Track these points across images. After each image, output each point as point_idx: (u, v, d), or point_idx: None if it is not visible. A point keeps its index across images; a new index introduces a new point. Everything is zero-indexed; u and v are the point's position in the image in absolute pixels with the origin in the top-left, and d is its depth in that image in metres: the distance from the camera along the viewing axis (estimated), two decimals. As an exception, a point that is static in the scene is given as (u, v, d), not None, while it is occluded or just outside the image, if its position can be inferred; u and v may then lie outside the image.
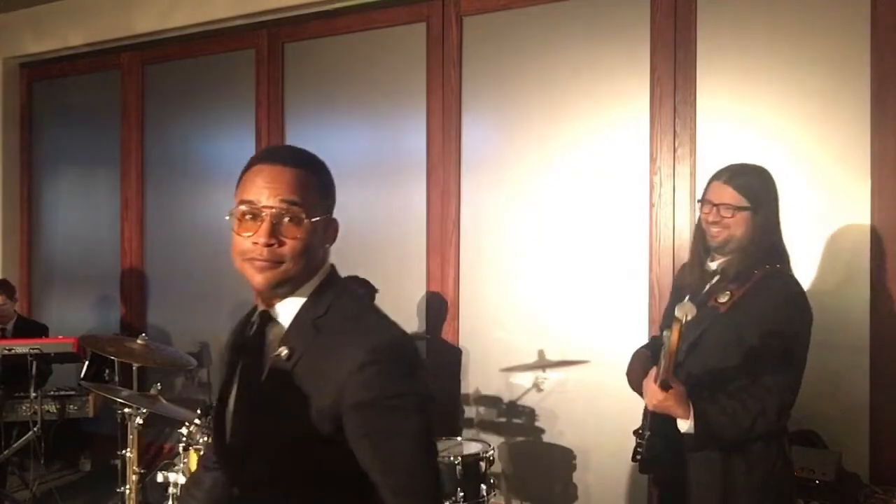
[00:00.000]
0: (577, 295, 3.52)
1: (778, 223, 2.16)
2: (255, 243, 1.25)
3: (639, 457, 2.17)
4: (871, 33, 2.94)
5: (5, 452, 3.73)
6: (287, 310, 1.32)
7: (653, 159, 3.33)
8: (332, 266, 1.39)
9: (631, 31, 3.38)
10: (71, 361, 4.07)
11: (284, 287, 1.30)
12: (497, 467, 3.06)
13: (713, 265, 2.16)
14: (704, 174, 3.21)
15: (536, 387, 3.59)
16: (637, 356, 2.32)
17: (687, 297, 2.06)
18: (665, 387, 1.96)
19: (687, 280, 2.24)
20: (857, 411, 2.92)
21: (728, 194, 2.10)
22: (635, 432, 2.21)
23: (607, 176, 3.45)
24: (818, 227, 3.01)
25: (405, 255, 3.90)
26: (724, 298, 2.06)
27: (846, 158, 2.99)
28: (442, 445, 3.07)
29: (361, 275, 3.46)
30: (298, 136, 4.24)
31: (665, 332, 1.96)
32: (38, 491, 3.97)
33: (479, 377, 3.75)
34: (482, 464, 2.96)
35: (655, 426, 2.09)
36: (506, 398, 3.67)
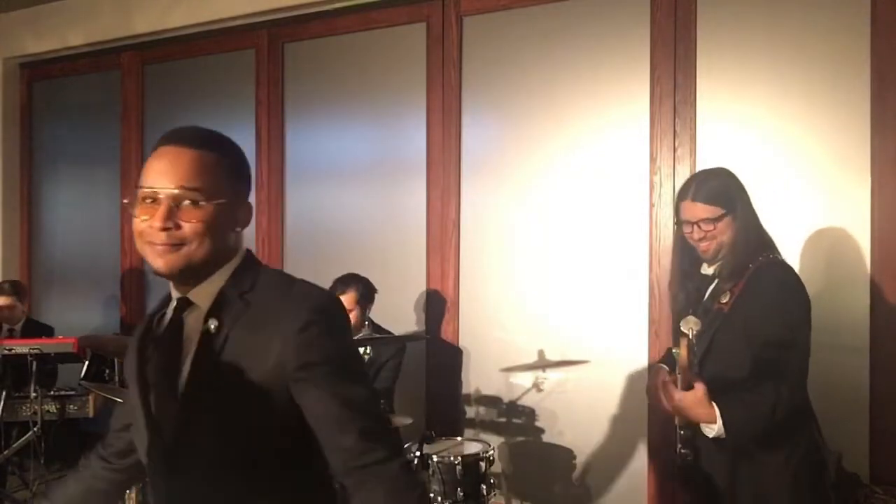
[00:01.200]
0: (577, 295, 3.52)
1: (755, 216, 2.19)
2: (152, 227, 1.24)
3: (676, 469, 2.20)
4: (871, 33, 2.95)
5: (5, 452, 3.73)
6: (207, 291, 1.30)
7: (653, 159, 3.34)
8: (249, 251, 1.41)
9: (631, 31, 3.38)
10: (71, 361, 4.06)
11: (193, 271, 1.28)
12: (497, 467, 3.06)
13: (710, 270, 2.20)
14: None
15: (536, 387, 3.58)
16: (656, 373, 2.28)
17: (690, 312, 2.10)
18: (686, 387, 1.97)
19: (686, 289, 2.26)
20: (857, 411, 2.92)
21: (701, 209, 2.13)
22: (677, 450, 2.18)
23: (607, 176, 3.45)
24: (818, 227, 3.01)
25: (405, 255, 3.90)
26: (725, 299, 2.08)
27: (846, 158, 2.99)
28: (442, 445, 3.08)
29: (361, 274, 3.47)
30: (298, 136, 4.24)
31: (675, 350, 1.98)
32: (38, 491, 3.97)
33: (479, 377, 3.75)
34: (482, 464, 2.95)
35: (685, 441, 2.09)
36: (506, 398, 3.67)
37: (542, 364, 3.57)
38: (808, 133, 3.06)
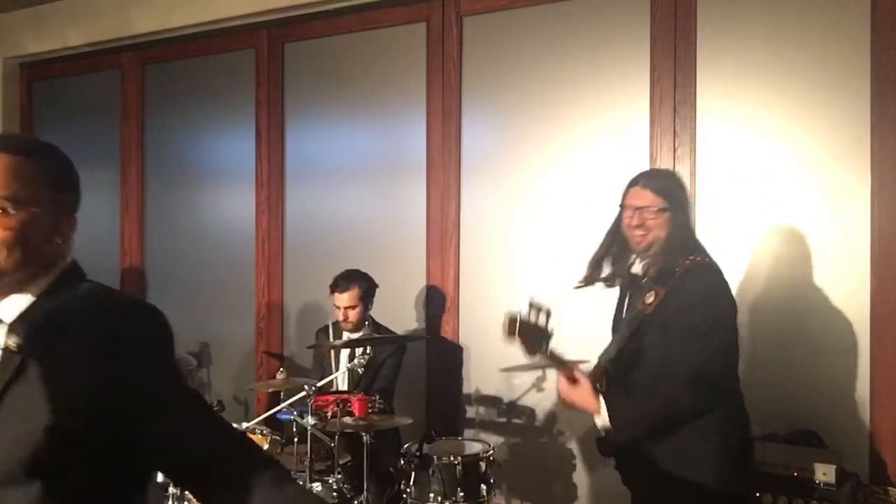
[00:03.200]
0: (577, 294, 3.51)
1: (691, 222, 2.26)
2: None
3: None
4: (871, 33, 2.94)
5: (5, 452, 3.72)
6: (10, 307, 1.21)
7: (653, 159, 3.33)
8: (74, 262, 1.30)
9: (631, 31, 3.38)
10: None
11: (3, 281, 1.20)
12: (497, 467, 3.06)
13: (639, 268, 2.25)
14: (704, 174, 3.23)
15: (536, 387, 3.58)
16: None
17: (643, 289, 2.21)
18: (572, 380, 2.13)
19: (601, 277, 2.36)
20: (857, 411, 2.92)
21: (648, 197, 2.18)
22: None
23: (607, 175, 3.45)
24: (818, 227, 3.01)
25: (405, 255, 3.89)
26: (650, 299, 2.13)
27: (846, 158, 2.99)
28: (442, 445, 3.08)
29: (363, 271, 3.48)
30: (298, 136, 4.24)
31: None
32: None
33: (479, 377, 3.75)
34: (482, 464, 2.96)
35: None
36: (506, 398, 3.67)
37: (542, 364, 3.57)
38: (808, 133, 3.06)
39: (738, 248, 3.08)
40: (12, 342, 1.17)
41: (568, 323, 3.52)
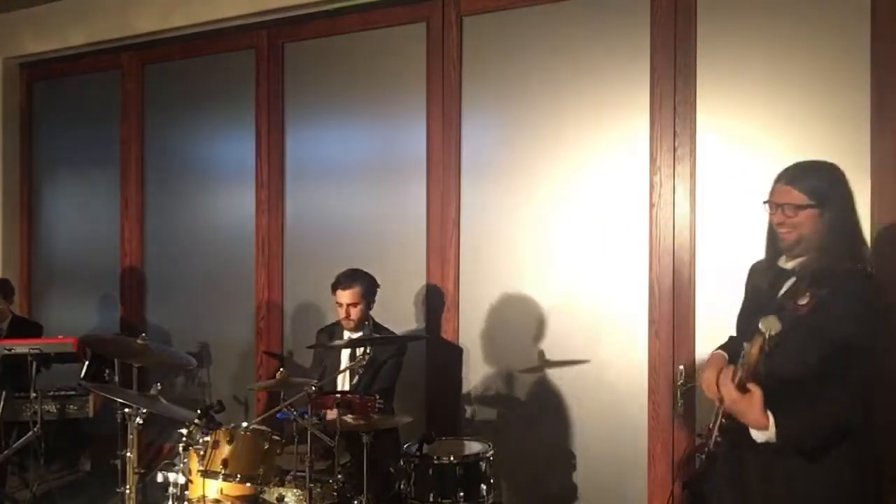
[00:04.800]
0: (577, 294, 3.52)
1: (854, 220, 2.07)
2: None
3: (703, 455, 2.12)
4: (871, 33, 2.95)
5: (5, 452, 3.73)
6: None
7: (653, 159, 3.34)
8: None
9: (631, 31, 3.38)
10: (71, 361, 4.07)
11: None
12: (497, 467, 3.06)
13: (789, 265, 2.10)
14: (704, 174, 3.24)
15: (536, 387, 3.58)
16: (713, 359, 2.20)
17: (774, 314, 1.92)
18: (742, 388, 1.88)
19: (760, 280, 2.17)
20: (857, 411, 2.91)
21: (789, 194, 2.05)
22: (699, 435, 2.15)
23: (607, 176, 3.45)
24: (818, 227, 3.00)
25: (405, 255, 3.90)
26: (803, 301, 1.98)
27: (846, 159, 2.98)
28: (442, 445, 3.08)
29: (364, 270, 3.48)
30: (298, 136, 4.24)
31: (745, 344, 1.90)
32: (38, 491, 3.97)
33: (479, 377, 3.75)
34: (482, 464, 2.95)
35: (725, 431, 2.04)
36: (506, 398, 3.67)
37: (542, 364, 3.57)
38: (807, 133, 3.06)
39: (738, 248, 3.07)
40: None
41: (568, 322, 3.53)
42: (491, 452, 3.01)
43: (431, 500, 2.89)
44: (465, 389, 3.78)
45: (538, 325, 3.59)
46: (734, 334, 2.26)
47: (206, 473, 2.69)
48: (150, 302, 4.82)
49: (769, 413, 1.85)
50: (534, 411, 3.60)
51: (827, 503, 1.98)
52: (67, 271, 5.12)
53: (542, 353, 3.57)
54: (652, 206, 3.33)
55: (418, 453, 2.93)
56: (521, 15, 3.64)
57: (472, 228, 3.76)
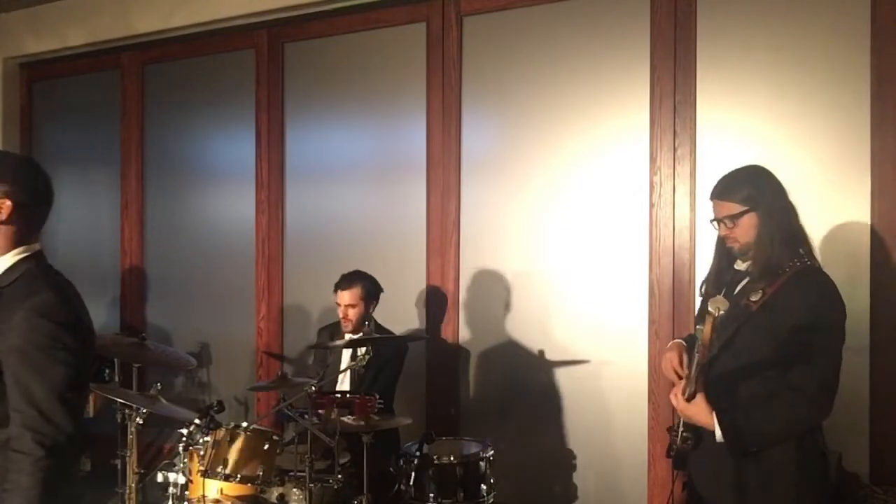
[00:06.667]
0: (577, 294, 3.52)
1: (788, 213, 2.16)
2: None
3: (672, 452, 2.24)
4: (871, 33, 2.95)
5: (5, 452, 3.72)
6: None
7: (653, 159, 3.33)
8: (38, 251, 1.78)
9: (631, 31, 3.38)
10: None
11: None
12: (497, 467, 3.06)
13: (743, 267, 2.21)
14: (704, 174, 3.23)
15: (536, 387, 3.58)
16: (673, 345, 2.34)
17: (723, 293, 2.12)
18: (690, 398, 2.07)
19: (710, 288, 2.27)
20: (857, 411, 2.92)
21: (723, 207, 2.17)
22: (668, 429, 2.28)
23: (607, 176, 3.45)
24: (818, 228, 3.00)
25: (405, 255, 3.89)
26: (755, 297, 2.08)
27: (846, 158, 2.99)
28: (442, 445, 3.08)
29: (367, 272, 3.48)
30: (298, 136, 4.23)
31: (698, 327, 2.03)
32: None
33: (479, 377, 3.75)
34: (482, 464, 2.96)
35: (688, 426, 2.16)
36: (506, 398, 3.67)
37: (542, 364, 3.57)
38: (808, 133, 3.06)
39: (738, 248, 3.07)
40: None
41: (568, 322, 3.53)
42: (491, 452, 3.01)
43: (431, 500, 2.89)
44: (464, 389, 3.78)
45: (538, 325, 3.58)
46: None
47: (206, 473, 2.69)
48: (150, 302, 4.83)
49: (713, 415, 2.05)
50: (534, 411, 3.60)
51: (778, 497, 2.09)
52: (67, 271, 5.04)
53: (542, 353, 3.57)
54: (652, 206, 3.33)
55: (418, 453, 2.93)
56: (521, 15, 3.64)
57: (473, 228, 3.76)
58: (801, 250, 2.14)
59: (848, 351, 2.90)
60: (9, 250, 1.70)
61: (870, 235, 2.94)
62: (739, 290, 2.17)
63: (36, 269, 1.72)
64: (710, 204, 2.22)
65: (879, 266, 2.92)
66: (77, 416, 1.65)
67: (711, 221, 2.24)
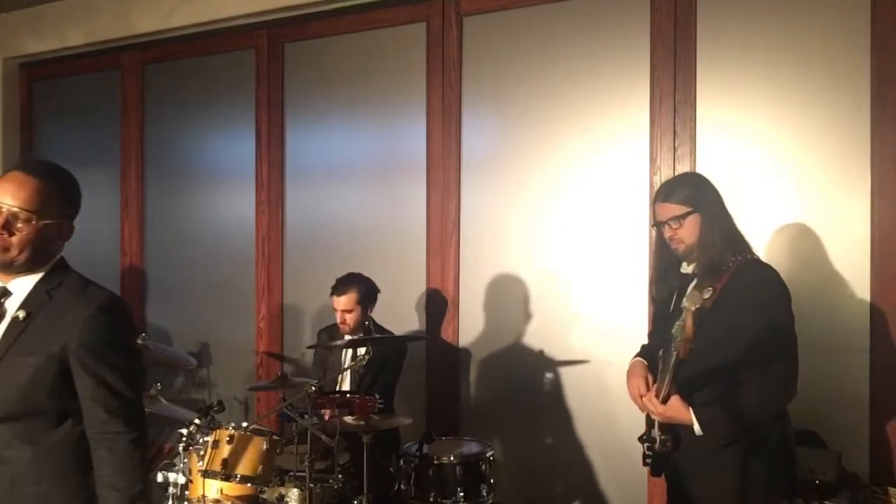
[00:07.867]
0: (577, 294, 3.52)
1: (726, 215, 2.29)
2: None
3: (648, 460, 2.32)
4: (871, 33, 2.95)
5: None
6: (22, 285, 1.74)
7: (653, 159, 3.34)
8: (62, 258, 1.82)
9: (631, 31, 3.38)
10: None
11: (15, 268, 1.71)
12: (497, 467, 3.06)
13: (689, 269, 2.30)
14: (704, 173, 3.22)
15: (537, 387, 3.58)
16: (634, 368, 2.39)
17: (692, 285, 2.21)
18: (664, 400, 2.15)
19: (660, 291, 2.39)
20: (857, 411, 2.92)
21: (668, 209, 2.27)
22: (640, 438, 2.34)
23: (607, 176, 3.45)
24: (818, 227, 3.01)
25: (405, 255, 3.89)
26: (707, 294, 2.14)
27: (846, 159, 2.99)
28: (442, 445, 3.08)
29: (365, 275, 3.47)
30: (298, 136, 4.23)
31: (678, 323, 2.09)
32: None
33: (479, 377, 3.75)
34: (482, 464, 2.96)
35: (665, 428, 2.24)
36: (506, 398, 3.67)
37: (543, 364, 3.57)
38: (808, 133, 3.06)
39: (738, 248, 3.08)
40: (21, 314, 1.70)
41: (568, 322, 3.53)
42: (491, 452, 3.01)
43: (431, 500, 2.89)
44: (464, 390, 3.78)
45: (538, 325, 3.59)
46: (646, 342, 2.51)
47: (206, 473, 2.69)
48: (150, 302, 4.83)
49: (690, 410, 2.13)
50: (534, 411, 3.60)
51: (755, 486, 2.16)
52: (67, 271, 5.11)
53: (542, 353, 3.57)
54: (652, 206, 3.33)
55: (418, 453, 2.93)
56: (521, 15, 3.64)
57: (473, 229, 3.76)
58: (740, 247, 2.25)
59: (848, 351, 2.94)
60: (53, 259, 1.80)
61: (870, 235, 2.94)
62: (690, 291, 2.23)
63: (71, 273, 1.81)
64: (654, 208, 2.32)
65: (879, 266, 2.92)
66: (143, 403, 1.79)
67: (653, 226, 2.35)
